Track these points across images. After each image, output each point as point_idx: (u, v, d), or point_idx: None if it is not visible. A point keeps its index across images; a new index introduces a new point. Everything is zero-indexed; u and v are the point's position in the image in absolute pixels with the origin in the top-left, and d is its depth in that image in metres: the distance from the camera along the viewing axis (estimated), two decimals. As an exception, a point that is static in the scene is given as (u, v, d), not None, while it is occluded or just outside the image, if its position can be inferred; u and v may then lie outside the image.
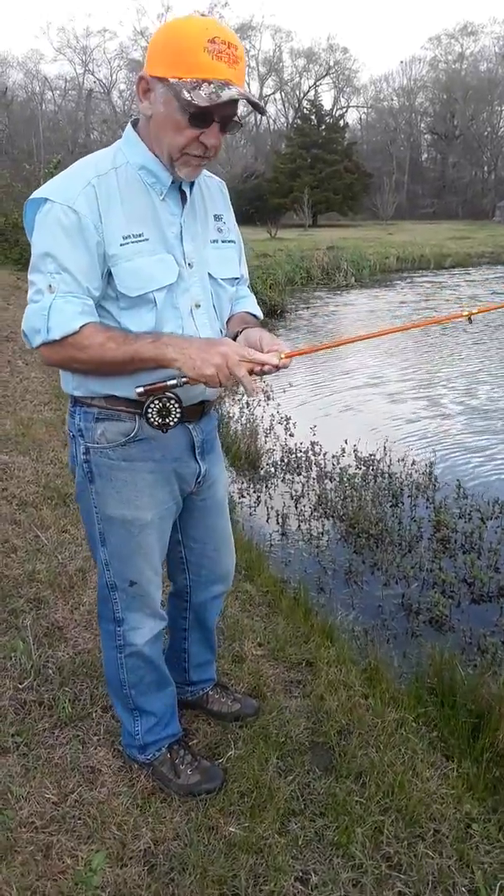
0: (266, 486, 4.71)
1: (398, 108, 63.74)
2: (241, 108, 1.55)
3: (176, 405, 1.53)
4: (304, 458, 5.14)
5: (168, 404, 1.52)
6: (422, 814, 1.96)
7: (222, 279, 1.71)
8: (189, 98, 1.38)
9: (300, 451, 5.29)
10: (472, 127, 59.61)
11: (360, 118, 67.33)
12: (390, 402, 6.95)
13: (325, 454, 5.23)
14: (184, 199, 1.61)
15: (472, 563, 3.51)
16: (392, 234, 30.80)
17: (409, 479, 4.70)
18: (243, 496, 4.57)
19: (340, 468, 4.91)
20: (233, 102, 1.42)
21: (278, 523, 4.12)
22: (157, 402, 1.51)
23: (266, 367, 1.52)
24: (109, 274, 1.51)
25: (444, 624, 3.10)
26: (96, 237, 1.47)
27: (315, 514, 4.22)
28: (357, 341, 1.43)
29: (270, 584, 3.24)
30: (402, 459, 5.10)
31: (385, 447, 5.34)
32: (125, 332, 1.51)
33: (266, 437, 5.69)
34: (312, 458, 5.17)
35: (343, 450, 5.30)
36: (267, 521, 4.19)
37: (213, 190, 1.74)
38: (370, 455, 5.16)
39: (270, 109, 60.92)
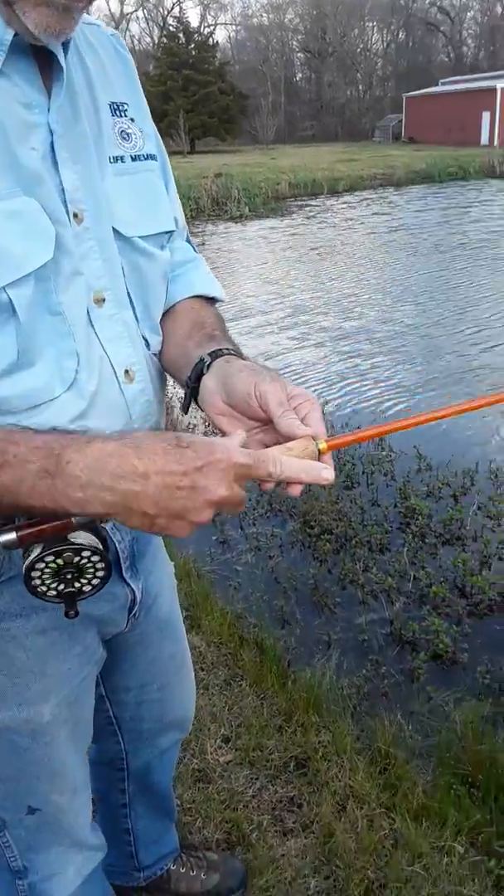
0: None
1: (268, 24, 61.14)
2: None
3: (95, 558, 0.68)
4: (230, 432, 4.31)
5: (77, 559, 0.67)
6: None
7: (143, 237, 0.83)
8: None
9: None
10: (345, 44, 58.00)
11: (230, 37, 64.22)
12: (297, 343, 6.16)
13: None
14: (48, 72, 0.70)
15: (462, 564, 2.85)
16: (275, 159, 29.44)
17: (359, 449, 3.97)
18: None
19: (276, 442, 4.12)
20: None
21: (217, 527, 3.30)
22: (50, 557, 0.65)
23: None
24: None
25: (449, 660, 2.42)
26: None
27: (258, 509, 3.43)
28: (417, 425, 0.83)
29: (224, 627, 2.46)
30: (347, 424, 4.36)
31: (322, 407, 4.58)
32: None
33: (174, 397, 4.80)
34: (240, 430, 4.34)
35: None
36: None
37: (104, 53, 0.83)
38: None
39: (133, 28, 56.68)
